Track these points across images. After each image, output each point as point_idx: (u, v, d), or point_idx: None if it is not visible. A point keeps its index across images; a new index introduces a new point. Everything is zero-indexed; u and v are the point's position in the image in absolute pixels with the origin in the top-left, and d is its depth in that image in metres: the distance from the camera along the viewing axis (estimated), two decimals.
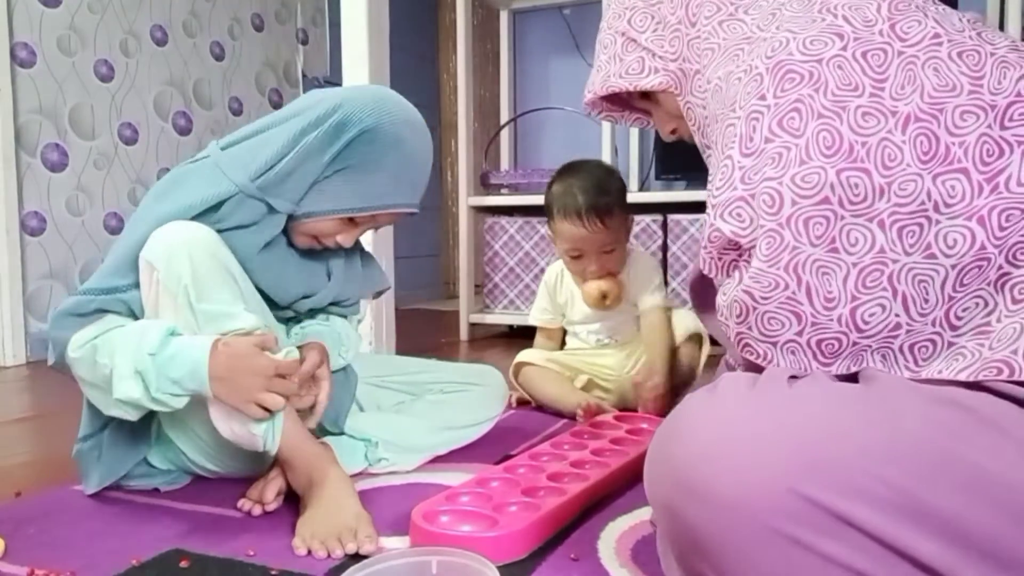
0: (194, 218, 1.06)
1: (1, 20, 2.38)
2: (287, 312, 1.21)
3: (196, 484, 1.17)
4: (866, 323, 0.66)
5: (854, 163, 0.65)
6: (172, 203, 1.08)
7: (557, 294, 1.72)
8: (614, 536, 0.96)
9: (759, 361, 0.69)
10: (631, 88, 0.90)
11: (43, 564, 0.90)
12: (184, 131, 3.03)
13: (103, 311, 1.04)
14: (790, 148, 0.67)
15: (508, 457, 1.28)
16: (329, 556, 0.91)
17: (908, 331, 0.66)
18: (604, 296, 1.58)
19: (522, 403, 1.71)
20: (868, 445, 0.58)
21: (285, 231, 1.15)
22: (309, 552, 0.92)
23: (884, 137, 0.66)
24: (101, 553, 0.93)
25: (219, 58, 3.18)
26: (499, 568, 0.75)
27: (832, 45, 0.69)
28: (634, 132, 3.11)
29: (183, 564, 0.90)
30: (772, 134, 0.68)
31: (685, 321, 1.61)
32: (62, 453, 1.41)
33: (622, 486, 1.12)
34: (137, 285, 1.04)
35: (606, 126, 2.91)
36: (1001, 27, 2.30)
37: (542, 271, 2.71)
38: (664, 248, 2.55)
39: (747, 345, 0.70)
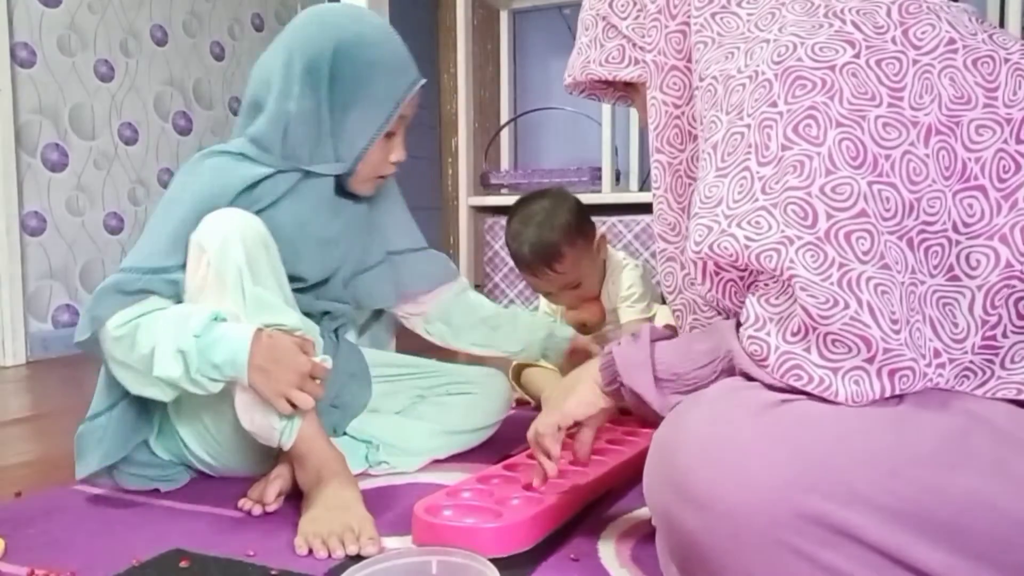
0: (235, 198, 1.09)
1: (1, 20, 2.39)
2: (321, 303, 1.22)
3: (196, 484, 1.17)
4: (919, 347, 0.60)
5: (880, 177, 0.61)
6: (209, 183, 1.09)
7: (548, 303, 1.73)
8: (614, 536, 0.96)
9: (808, 387, 0.61)
10: (610, 78, 0.88)
11: (43, 564, 0.90)
12: (184, 131, 3.03)
13: (147, 291, 1.04)
14: (812, 157, 0.62)
15: (508, 458, 1.28)
16: (330, 556, 0.91)
17: (951, 360, 0.62)
18: (584, 325, 1.60)
19: (521, 403, 1.70)
20: (872, 454, 0.57)
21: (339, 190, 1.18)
22: (310, 551, 0.92)
23: (907, 150, 0.62)
24: (101, 553, 0.93)
25: (219, 58, 3.18)
26: (499, 568, 0.75)
27: (843, 53, 0.65)
28: (634, 132, 3.10)
29: (183, 564, 0.90)
30: (789, 141, 0.64)
31: (666, 320, 1.61)
32: (62, 453, 1.40)
33: (622, 483, 1.12)
34: (183, 267, 1.05)
35: (606, 126, 2.90)
36: (1001, 27, 2.30)
37: None
38: None
39: (796, 367, 0.61)
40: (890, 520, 0.55)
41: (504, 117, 3.33)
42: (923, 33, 0.66)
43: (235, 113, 3.24)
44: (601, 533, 0.97)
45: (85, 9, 2.67)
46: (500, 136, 3.32)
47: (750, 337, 0.64)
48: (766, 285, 0.64)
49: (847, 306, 0.58)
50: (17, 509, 1.10)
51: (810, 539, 0.56)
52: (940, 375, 0.61)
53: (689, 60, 0.80)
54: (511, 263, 2.85)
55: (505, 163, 3.32)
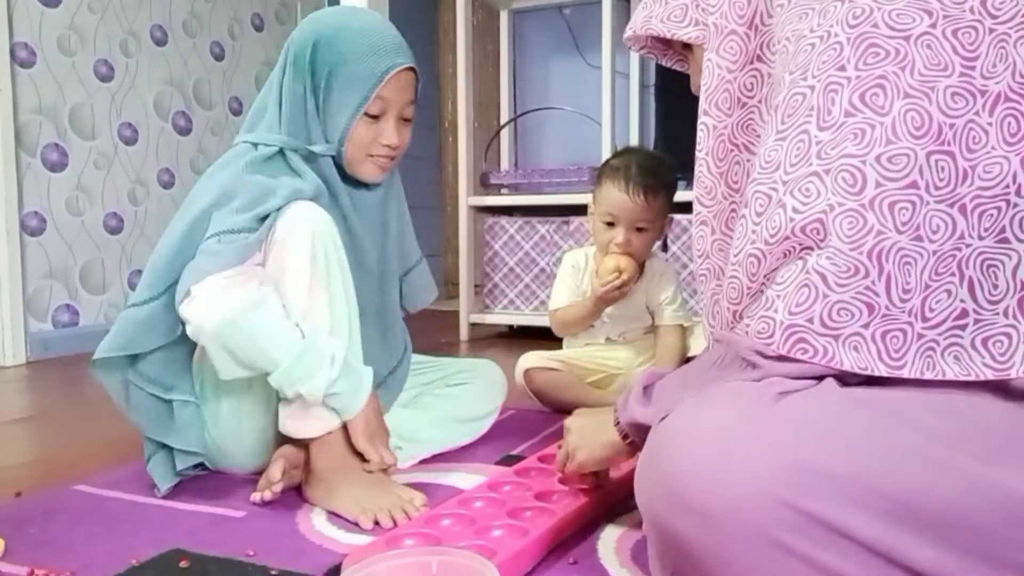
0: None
1: (1, 20, 2.38)
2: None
3: (196, 484, 1.18)
4: (932, 311, 0.62)
5: (942, 146, 0.62)
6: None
7: (581, 280, 1.68)
8: (614, 537, 0.96)
9: (814, 360, 0.63)
10: (669, 35, 0.87)
11: (43, 564, 0.90)
12: (184, 131, 3.03)
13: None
14: (875, 126, 0.63)
15: (509, 457, 1.28)
16: (395, 525, 0.99)
17: (977, 321, 0.62)
18: (619, 272, 1.56)
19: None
20: (861, 455, 0.57)
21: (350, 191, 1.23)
22: (376, 523, 1.00)
23: (971, 119, 0.63)
24: (101, 553, 0.93)
25: (219, 58, 3.18)
26: (500, 568, 0.75)
27: (920, 21, 0.65)
28: (634, 132, 3.10)
29: (183, 564, 0.90)
30: (853, 108, 0.65)
31: (700, 341, 1.61)
32: (62, 453, 1.41)
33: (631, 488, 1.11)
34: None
35: (606, 126, 2.90)
36: None
37: (542, 271, 2.71)
38: (664, 248, 2.55)
39: (801, 340, 0.63)
40: (880, 519, 0.55)
41: (504, 117, 3.33)
42: (1001, 3, 0.67)
43: (235, 113, 3.24)
44: (600, 533, 0.97)
45: (85, 9, 2.67)
46: (500, 136, 3.33)
47: (760, 317, 0.66)
48: (781, 266, 0.67)
49: (867, 274, 0.61)
50: (17, 509, 1.10)
51: (801, 537, 0.56)
52: (956, 337, 0.62)
53: (750, 27, 0.80)
54: (511, 263, 2.87)
55: (505, 163, 3.32)
